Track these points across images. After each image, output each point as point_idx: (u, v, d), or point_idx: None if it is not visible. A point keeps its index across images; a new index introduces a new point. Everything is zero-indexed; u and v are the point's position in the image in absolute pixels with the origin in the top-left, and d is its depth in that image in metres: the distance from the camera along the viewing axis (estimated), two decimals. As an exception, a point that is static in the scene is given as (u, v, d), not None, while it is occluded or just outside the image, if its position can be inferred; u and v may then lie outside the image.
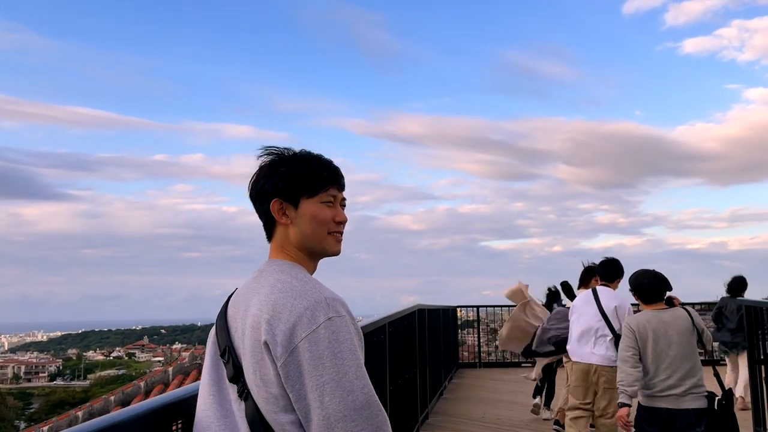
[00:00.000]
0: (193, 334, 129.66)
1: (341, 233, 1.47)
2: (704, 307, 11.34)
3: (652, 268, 3.93)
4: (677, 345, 3.67)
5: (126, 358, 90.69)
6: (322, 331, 1.24)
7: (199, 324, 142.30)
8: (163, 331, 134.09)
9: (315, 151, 1.50)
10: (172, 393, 1.61)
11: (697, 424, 3.55)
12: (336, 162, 1.51)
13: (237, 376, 1.32)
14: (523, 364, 11.42)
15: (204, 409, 1.38)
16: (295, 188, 1.43)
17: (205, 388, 1.41)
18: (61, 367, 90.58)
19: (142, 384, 10.80)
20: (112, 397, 10.33)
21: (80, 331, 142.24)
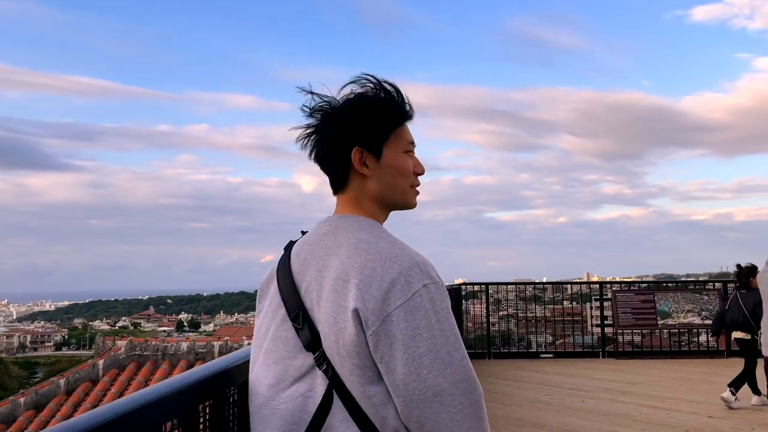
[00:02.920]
0: (198, 304, 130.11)
1: (418, 185, 1.36)
2: None
3: None
4: None
5: (132, 327, 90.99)
6: (419, 298, 1.13)
7: (204, 294, 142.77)
8: (169, 301, 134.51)
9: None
10: (222, 360, 1.46)
11: None
12: None
13: (316, 343, 1.17)
14: (542, 355, 9.63)
15: (265, 377, 1.24)
16: (379, 136, 1.29)
17: (265, 354, 1.26)
18: (66, 337, 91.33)
19: (62, 381, 8.78)
20: (21, 399, 8.32)
21: (87, 301, 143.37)
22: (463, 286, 10.71)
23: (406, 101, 1.34)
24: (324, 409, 1.15)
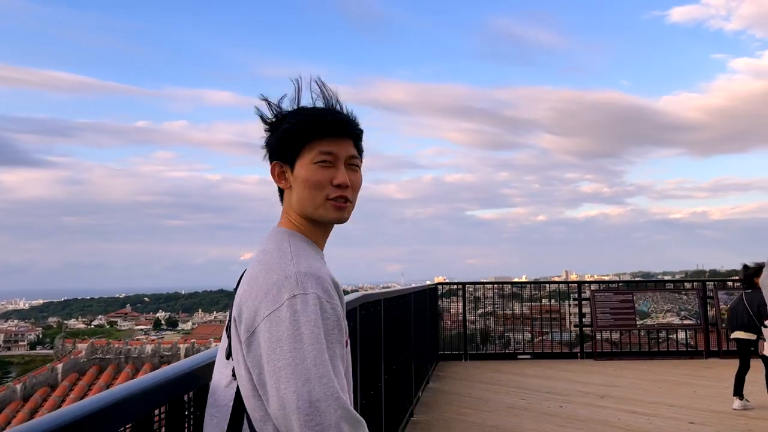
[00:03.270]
0: (176, 302, 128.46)
1: (344, 198, 1.27)
2: None
3: None
4: None
5: (108, 326, 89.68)
6: (284, 310, 1.11)
7: (182, 292, 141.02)
8: (146, 299, 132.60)
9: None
10: (194, 359, 1.43)
11: None
12: None
13: (230, 353, 1.22)
14: (520, 356, 9.45)
15: (214, 380, 1.30)
16: (289, 147, 1.28)
17: (216, 360, 1.33)
18: (41, 336, 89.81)
19: (18, 386, 8.33)
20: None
21: (62, 299, 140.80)
22: (440, 286, 10.52)
23: (337, 114, 1.29)
24: (233, 421, 1.18)
